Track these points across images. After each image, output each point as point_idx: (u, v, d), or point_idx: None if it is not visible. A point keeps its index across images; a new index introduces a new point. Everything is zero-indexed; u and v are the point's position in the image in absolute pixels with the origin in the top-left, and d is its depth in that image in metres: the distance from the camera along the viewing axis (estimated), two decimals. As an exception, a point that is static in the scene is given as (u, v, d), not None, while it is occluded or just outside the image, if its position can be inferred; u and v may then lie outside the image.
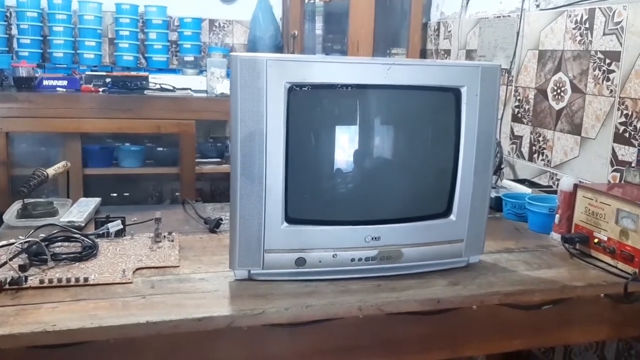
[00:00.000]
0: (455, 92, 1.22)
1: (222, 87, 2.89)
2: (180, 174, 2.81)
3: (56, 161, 1.79)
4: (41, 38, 3.10)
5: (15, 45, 3.07)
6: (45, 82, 2.62)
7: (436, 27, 2.93)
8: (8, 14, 3.07)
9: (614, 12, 1.79)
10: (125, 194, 2.93)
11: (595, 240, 1.39)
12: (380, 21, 2.93)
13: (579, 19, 1.94)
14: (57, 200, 1.57)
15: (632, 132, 1.72)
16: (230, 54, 1.10)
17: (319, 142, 1.21)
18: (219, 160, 3.15)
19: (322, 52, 3.40)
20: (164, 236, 1.38)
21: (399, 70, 1.17)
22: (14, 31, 3.08)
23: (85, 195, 2.41)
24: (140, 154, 2.77)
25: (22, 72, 2.65)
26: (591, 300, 1.30)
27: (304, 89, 1.12)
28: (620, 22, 1.76)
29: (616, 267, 1.33)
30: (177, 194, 2.91)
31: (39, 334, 0.95)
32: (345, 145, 1.21)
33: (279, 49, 3.47)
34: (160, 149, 2.94)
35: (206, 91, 2.99)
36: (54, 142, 2.66)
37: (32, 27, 3.01)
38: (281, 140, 1.12)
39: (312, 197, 1.21)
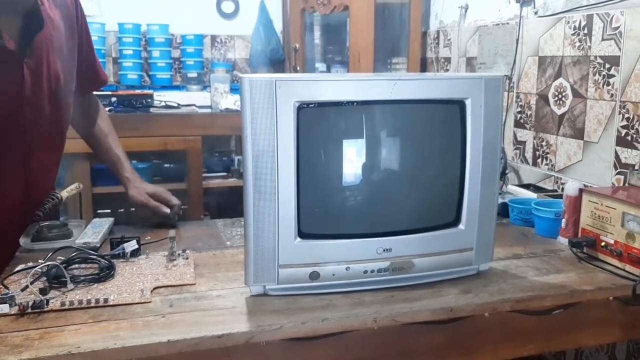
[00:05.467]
0: (460, 104, 1.24)
1: (226, 102, 2.93)
2: (188, 190, 2.84)
3: (65, 181, 1.82)
4: (46, 60, 3.13)
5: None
6: (52, 104, 2.65)
7: (435, 36, 2.96)
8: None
9: (612, 18, 1.82)
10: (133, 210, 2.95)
11: (602, 244, 1.41)
12: (380, 31, 2.96)
13: (577, 25, 1.97)
14: (71, 221, 1.59)
15: (634, 135, 1.75)
16: (240, 75, 1.12)
17: (328, 158, 1.24)
18: (225, 174, 3.18)
19: (323, 63, 3.44)
20: (179, 254, 1.41)
21: (404, 85, 1.20)
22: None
23: (95, 214, 2.45)
24: (148, 171, 2.81)
25: (30, 95, 2.68)
26: (601, 304, 1.32)
27: (312, 107, 1.15)
28: (619, 27, 1.79)
29: (624, 270, 1.35)
30: (184, 206, 2.94)
31: (63, 356, 0.97)
32: (354, 160, 1.24)
33: (280, 62, 3.50)
34: (167, 165, 2.98)
35: (210, 107, 3.03)
36: (62, 163, 2.69)
37: (37, 50, 3.05)
38: (292, 158, 1.14)
39: (323, 211, 1.24)
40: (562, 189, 1.97)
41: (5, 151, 1.40)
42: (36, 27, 1.34)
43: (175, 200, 1.67)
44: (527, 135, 2.26)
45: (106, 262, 1.31)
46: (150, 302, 1.16)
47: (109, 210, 2.65)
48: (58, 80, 1.45)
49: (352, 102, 1.19)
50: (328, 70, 3.35)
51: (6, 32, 1.29)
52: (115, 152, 1.69)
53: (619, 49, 1.79)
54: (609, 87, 1.84)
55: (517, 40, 2.27)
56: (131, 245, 1.40)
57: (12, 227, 1.46)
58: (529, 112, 2.24)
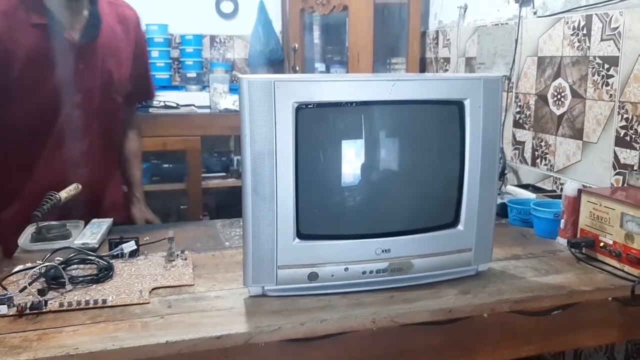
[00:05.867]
0: (459, 105, 1.24)
1: (225, 102, 2.93)
2: (187, 190, 2.84)
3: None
4: (45, 60, 3.13)
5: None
6: (51, 104, 2.65)
7: (435, 36, 2.96)
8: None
9: (611, 18, 1.82)
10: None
11: (601, 244, 1.41)
12: (379, 31, 2.96)
13: (576, 25, 1.97)
14: (69, 222, 1.59)
15: (633, 136, 1.75)
16: (239, 76, 1.12)
17: (327, 158, 1.24)
18: (224, 174, 3.18)
19: (323, 63, 3.44)
20: (177, 255, 1.40)
21: (403, 85, 1.20)
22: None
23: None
24: (147, 171, 2.80)
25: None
26: (599, 304, 1.32)
27: (311, 107, 1.15)
28: (618, 27, 1.79)
29: (623, 270, 1.35)
30: (182, 207, 2.94)
31: (62, 357, 0.97)
32: (353, 160, 1.24)
33: (279, 62, 3.50)
34: (166, 165, 2.98)
35: (209, 107, 3.03)
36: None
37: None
38: (290, 158, 1.14)
39: (322, 212, 1.24)
40: (561, 189, 1.97)
41: (55, 130, 1.59)
42: (95, 28, 1.58)
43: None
44: (526, 135, 2.26)
45: (105, 262, 1.31)
46: (148, 303, 1.16)
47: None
48: (110, 76, 1.65)
49: (351, 103, 1.19)
50: (327, 70, 3.35)
51: (70, 29, 1.55)
52: (135, 173, 1.87)
53: (618, 49, 1.79)
54: (608, 88, 1.84)
55: (516, 40, 2.27)
56: (130, 246, 1.40)
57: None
58: (528, 113, 2.24)
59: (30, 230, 1.51)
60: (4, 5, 1.49)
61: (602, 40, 1.86)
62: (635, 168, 1.73)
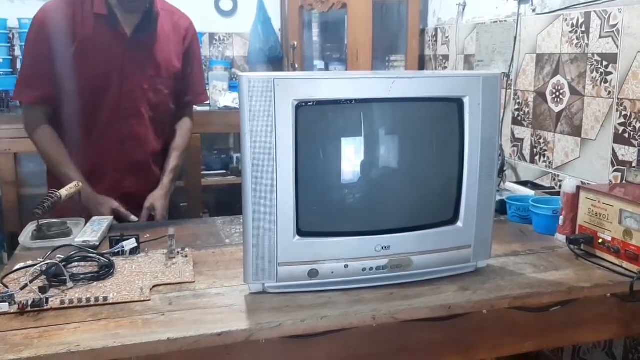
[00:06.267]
0: (458, 102, 1.25)
1: (225, 100, 2.93)
2: (187, 188, 2.84)
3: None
4: (44, 58, 3.13)
5: (19, 66, 3.10)
6: (50, 102, 2.65)
7: (434, 33, 2.96)
8: (11, 36, 3.12)
9: (610, 15, 1.82)
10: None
11: (600, 241, 1.41)
12: (378, 29, 2.96)
13: (575, 23, 1.97)
14: (70, 220, 1.59)
15: (632, 133, 1.75)
16: (239, 74, 1.13)
17: (327, 156, 1.24)
18: (224, 172, 3.18)
19: (322, 60, 3.44)
20: (178, 252, 1.41)
21: (402, 83, 1.20)
22: (17, 52, 3.12)
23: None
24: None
25: (28, 93, 2.67)
26: (598, 300, 1.33)
27: (311, 105, 1.16)
28: (616, 24, 1.79)
29: (621, 267, 1.36)
30: (182, 204, 2.94)
31: (63, 355, 0.97)
32: (352, 158, 1.24)
33: (279, 60, 3.50)
34: (166, 163, 2.96)
35: (209, 104, 3.02)
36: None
37: (35, 48, 3.04)
38: (290, 156, 1.15)
39: (322, 209, 1.24)
40: (560, 186, 1.98)
41: (103, 109, 1.80)
42: (146, 28, 1.79)
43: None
44: (524, 132, 2.27)
45: (105, 260, 1.32)
46: (149, 300, 1.17)
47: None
48: (158, 70, 1.84)
49: (351, 100, 1.20)
50: (326, 67, 3.35)
51: (124, 24, 1.77)
52: (171, 162, 1.96)
53: (617, 46, 1.79)
54: (607, 85, 1.84)
55: (515, 37, 2.27)
56: (130, 244, 1.40)
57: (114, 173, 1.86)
58: (526, 110, 2.25)
59: (31, 228, 1.52)
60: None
61: (600, 37, 1.86)
62: (633, 165, 1.73)
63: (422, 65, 3.04)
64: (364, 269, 1.22)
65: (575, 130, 1.99)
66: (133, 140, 1.85)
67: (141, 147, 1.87)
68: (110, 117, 1.80)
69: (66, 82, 1.75)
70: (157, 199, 1.88)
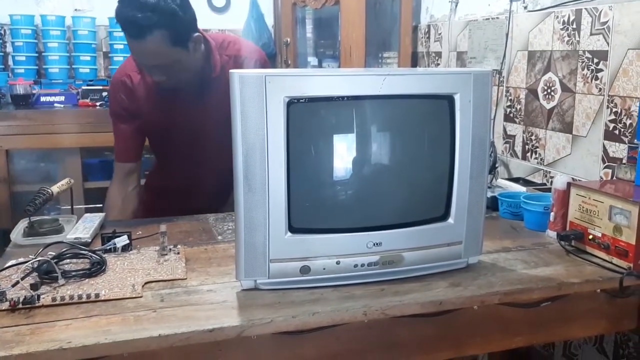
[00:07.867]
0: (449, 99, 1.25)
1: (218, 96, 2.91)
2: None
3: (57, 176, 1.82)
4: (36, 54, 3.12)
5: (10, 62, 3.09)
6: (42, 99, 2.65)
7: (426, 30, 2.97)
8: (2, 32, 3.10)
9: (600, 13, 1.83)
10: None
11: (590, 237, 1.42)
12: (371, 25, 2.96)
13: (566, 20, 1.98)
14: (62, 217, 1.59)
15: (622, 129, 1.76)
16: (231, 70, 1.12)
17: (318, 153, 1.24)
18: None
19: (315, 57, 3.44)
20: (170, 249, 1.41)
21: (393, 80, 1.20)
22: (9, 49, 3.10)
23: (87, 209, 2.44)
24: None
25: (20, 90, 2.68)
26: (588, 296, 1.33)
27: (302, 102, 1.16)
28: (607, 22, 1.80)
29: (611, 263, 1.37)
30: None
31: (55, 351, 0.97)
32: (344, 154, 1.24)
33: (272, 56, 3.50)
34: (159, 159, 2.95)
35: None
36: (54, 158, 2.69)
37: (26, 44, 3.04)
38: (282, 153, 1.15)
39: (314, 206, 1.25)
40: (551, 182, 1.98)
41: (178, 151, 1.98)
42: (206, 82, 1.85)
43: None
44: (516, 129, 2.28)
45: (97, 257, 1.32)
46: (141, 297, 1.17)
47: (101, 205, 2.64)
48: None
49: (342, 97, 1.20)
50: (320, 64, 3.35)
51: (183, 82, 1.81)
52: None
53: (607, 43, 1.80)
54: (597, 82, 1.85)
55: (507, 34, 2.28)
56: (122, 240, 1.40)
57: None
58: (518, 107, 2.26)
59: (22, 224, 1.52)
60: (129, 69, 1.87)
61: (591, 34, 1.87)
62: (624, 161, 1.75)
63: (415, 62, 3.04)
64: (355, 266, 1.23)
65: (567, 127, 2.00)
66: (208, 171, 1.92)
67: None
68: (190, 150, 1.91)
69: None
70: None
